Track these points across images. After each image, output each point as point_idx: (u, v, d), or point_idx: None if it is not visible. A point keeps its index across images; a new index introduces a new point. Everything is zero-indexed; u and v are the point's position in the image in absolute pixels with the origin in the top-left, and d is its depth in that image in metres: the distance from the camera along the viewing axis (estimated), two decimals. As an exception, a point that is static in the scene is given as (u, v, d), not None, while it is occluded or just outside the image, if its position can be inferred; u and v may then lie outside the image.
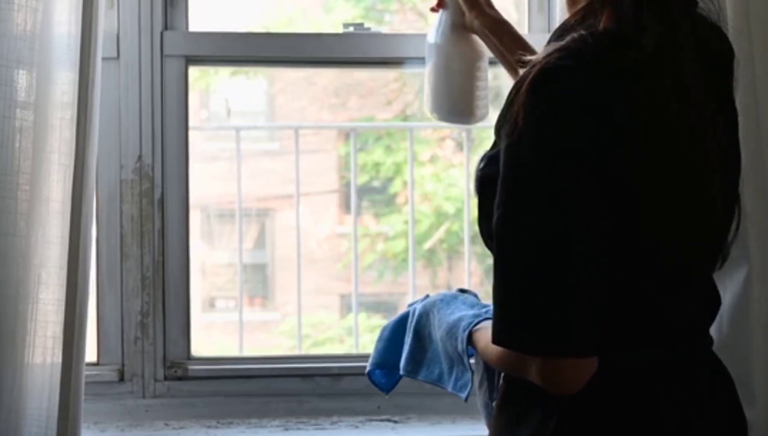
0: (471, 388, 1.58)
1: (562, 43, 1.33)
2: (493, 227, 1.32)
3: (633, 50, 1.30)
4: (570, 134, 1.28)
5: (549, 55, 1.31)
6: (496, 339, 1.34)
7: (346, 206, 9.17)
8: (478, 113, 1.99)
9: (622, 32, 1.31)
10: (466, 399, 1.59)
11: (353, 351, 2.80)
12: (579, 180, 1.28)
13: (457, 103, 1.99)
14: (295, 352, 4.20)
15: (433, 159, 8.40)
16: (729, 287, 1.95)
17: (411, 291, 2.79)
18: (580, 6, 1.40)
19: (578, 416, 1.34)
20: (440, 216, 8.14)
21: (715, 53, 1.40)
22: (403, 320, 1.71)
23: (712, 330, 1.73)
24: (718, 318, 1.93)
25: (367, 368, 1.75)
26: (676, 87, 1.30)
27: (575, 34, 1.33)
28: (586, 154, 1.28)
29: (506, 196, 1.31)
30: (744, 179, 1.92)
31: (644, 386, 1.36)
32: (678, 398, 1.36)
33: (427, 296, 1.71)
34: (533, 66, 1.31)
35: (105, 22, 2.02)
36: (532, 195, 1.29)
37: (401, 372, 1.70)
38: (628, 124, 1.29)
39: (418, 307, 1.70)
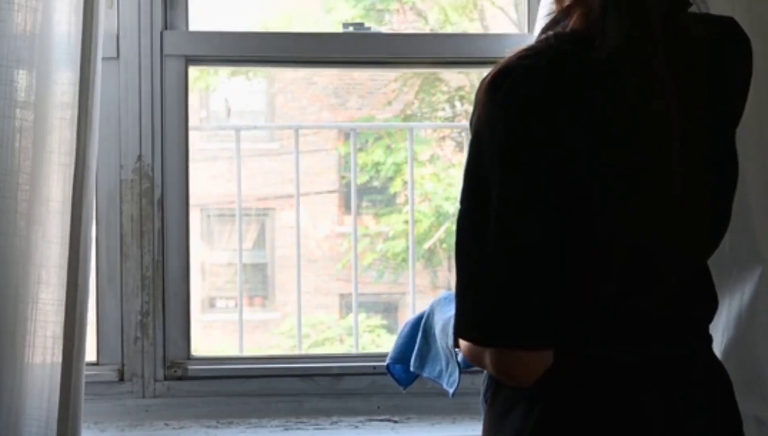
0: (458, 385, 1.61)
1: (531, 43, 1.36)
2: (456, 221, 1.36)
3: (592, 51, 1.31)
4: (521, 131, 1.31)
5: (513, 54, 1.34)
6: (456, 331, 1.39)
7: (345, 206, 9.18)
8: None
9: (588, 33, 1.32)
10: (452, 395, 1.62)
11: (353, 351, 2.81)
12: (531, 176, 1.31)
13: None
14: (295, 352, 4.20)
15: (433, 159, 8.41)
16: (744, 287, 1.95)
17: (411, 291, 2.79)
18: (561, 7, 1.42)
19: (560, 411, 1.36)
20: (440, 216, 8.15)
21: (694, 53, 1.40)
22: (421, 318, 1.74)
23: (729, 328, 1.72)
24: (735, 317, 1.93)
25: (386, 361, 1.78)
26: (637, 89, 1.31)
27: (543, 35, 1.36)
28: (537, 151, 1.30)
29: (465, 191, 1.35)
30: (750, 181, 1.93)
31: (624, 381, 1.37)
32: (662, 394, 1.37)
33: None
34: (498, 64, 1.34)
35: (105, 22, 2.02)
36: (486, 191, 1.32)
37: (411, 368, 1.73)
38: (581, 124, 1.31)
39: (429, 305, 1.73)
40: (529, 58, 1.32)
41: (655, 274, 1.38)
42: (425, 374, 1.71)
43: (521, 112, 1.30)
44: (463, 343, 1.41)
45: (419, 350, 1.71)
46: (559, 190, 1.30)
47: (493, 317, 1.32)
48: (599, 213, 1.33)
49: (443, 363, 1.66)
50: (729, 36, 1.44)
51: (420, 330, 1.72)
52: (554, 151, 1.30)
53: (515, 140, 1.30)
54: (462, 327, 1.37)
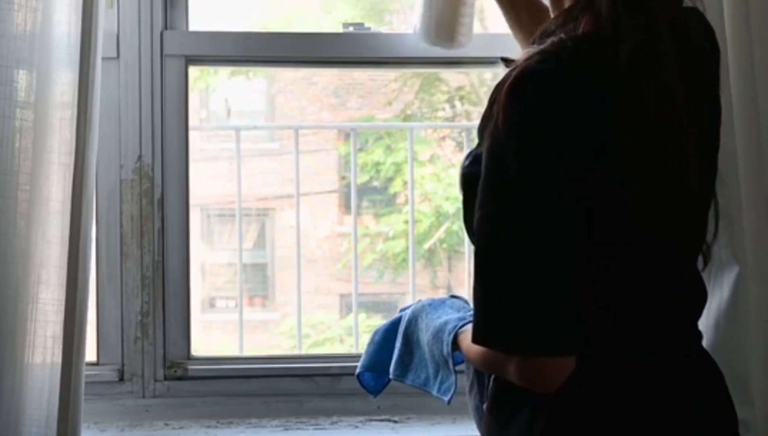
0: (454, 391, 1.60)
1: (543, 46, 1.35)
2: (474, 227, 1.34)
3: (611, 53, 1.31)
4: (547, 136, 1.30)
5: (529, 58, 1.33)
6: (476, 338, 1.36)
7: (346, 206, 9.18)
8: (460, 39, 2.17)
9: (600, 36, 1.32)
10: (449, 402, 1.61)
11: (353, 351, 2.81)
12: (557, 181, 1.30)
13: (440, 28, 2.16)
14: (295, 352, 4.20)
15: (433, 159, 8.41)
16: (724, 287, 1.95)
17: (411, 291, 2.79)
18: (561, 10, 1.42)
19: (567, 414, 1.36)
20: (440, 216, 8.16)
21: (698, 50, 1.41)
22: (394, 325, 1.73)
23: (709, 330, 1.73)
24: (714, 318, 1.93)
25: (357, 370, 1.76)
26: (655, 88, 1.32)
27: (555, 38, 1.35)
28: (563, 155, 1.30)
29: (486, 197, 1.33)
30: (740, 180, 1.93)
31: (632, 381, 1.37)
32: (667, 392, 1.37)
33: (419, 301, 1.72)
34: (513, 69, 1.32)
35: (105, 22, 2.02)
36: (510, 196, 1.31)
37: (390, 376, 1.71)
38: (604, 125, 1.31)
39: (408, 312, 1.71)
40: (549, 62, 1.31)
41: (666, 273, 1.39)
42: (408, 382, 1.69)
43: (547, 117, 1.30)
44: (478, 351, 1.39)
45: (400, 357, 1.69)
46: (583, 195, 1.30)
47: (520, 325, 1.31)
48: (621, 216, 1.33)
49: (431, 370, 1.64)
50: (706, 30, 1.45)
51: (399, 337, 1.70)
52: (578, 157, 1.30)
53: (540, 147, 1.30)
54: (485, 335, 1.35)
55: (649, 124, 1.32)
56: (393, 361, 1.70)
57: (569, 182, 1.29)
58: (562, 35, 1.34)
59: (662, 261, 1.38)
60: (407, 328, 1.69)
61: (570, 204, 1.30)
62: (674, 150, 1.34)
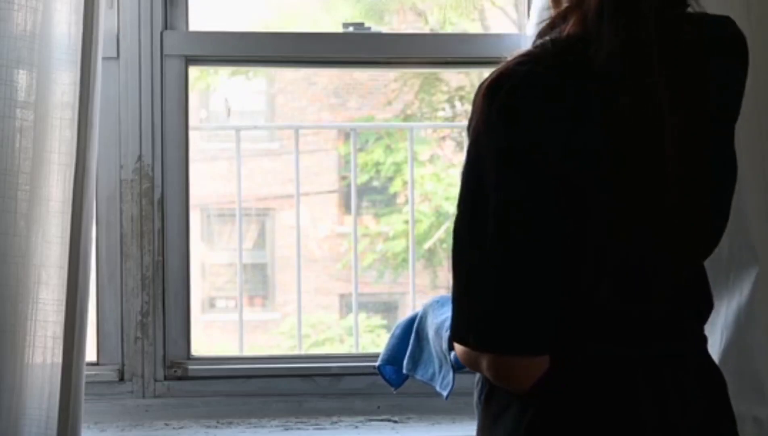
0: (452, 387, 1.63)
1: (528, 48, 1.36)
2: (453, 226, 1.36)
3: (592, 54, 1.31)
4: (521, 136, 1.31)
5: (511, 59, 1.34)
6: (452, 335, 1.39)
7: (346, 206, 9.18)
8: None
9: (584, 38, 1.32)
10: (446, 397, 1.64)
11: (353, 351, 2.81)
12: (531, 181, 1.31)
13: None
14: (295, 352, 4.20)
15: (433, 159, 8.41)
16: (742, 288, 1.96)
17: (411, 291, 2.79)
18: (558, 11, 1.42)
19: (554, 411, 1.37)
20: (440, 216, 8.15)
21: (699, 58, 1.39)
22: (413, 320, 1.75)
23: (728, 330, 1.72)
24: (734, 318, 1.93)
25: (377, 363, 1.78)
26: (634, 92, 1.31)
27: (540, 41, 1.36)
28: (537, 156, 1.30)
29: (463, 195, 1.35)
30: (746, 182, 1.93)
31: (620, 379, 1.37)
32: (656, 391, 1.37)
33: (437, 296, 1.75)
34: (494, 70, 1.34)
35: (105, 22, 2.02)
36: (484, 195, 1.32)
37: (404, 370, 1.74)
38: (578, 126, 1.31)
39: (422, 308, 1.74)
40: (527, 63, 1.32)
41: (649, 278, 1.38)
42: (418, 376, 1.72)
43: (519, 117, 1.30)
44: (459, 347, 1.41)
45: (412, 352, 1.72)
46: (556, 196, 1.31)
47: (491, 323, 1.33)
48: (593, 219, 1.33)
49: (436, 366, 1.67)
50: (724, 36, 1.44)
51: (413, 332, 1.73)
52: (551, 157, 1.30)
53: (513, 145, 1.30)
54: (459, 332, 1.37)
55: (626, 127, 1.31)
56: (406, 355, 1.73)
57: (545, 182, 1.30)
58: (548, 37, 1.35)
59: (649, 267, 1.37)
60: (419, 324, 1.72)
61: (543, 205, 1.30)
62: (652, 156, 1.33)
